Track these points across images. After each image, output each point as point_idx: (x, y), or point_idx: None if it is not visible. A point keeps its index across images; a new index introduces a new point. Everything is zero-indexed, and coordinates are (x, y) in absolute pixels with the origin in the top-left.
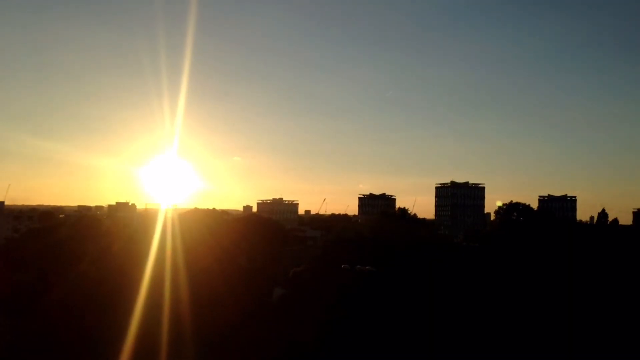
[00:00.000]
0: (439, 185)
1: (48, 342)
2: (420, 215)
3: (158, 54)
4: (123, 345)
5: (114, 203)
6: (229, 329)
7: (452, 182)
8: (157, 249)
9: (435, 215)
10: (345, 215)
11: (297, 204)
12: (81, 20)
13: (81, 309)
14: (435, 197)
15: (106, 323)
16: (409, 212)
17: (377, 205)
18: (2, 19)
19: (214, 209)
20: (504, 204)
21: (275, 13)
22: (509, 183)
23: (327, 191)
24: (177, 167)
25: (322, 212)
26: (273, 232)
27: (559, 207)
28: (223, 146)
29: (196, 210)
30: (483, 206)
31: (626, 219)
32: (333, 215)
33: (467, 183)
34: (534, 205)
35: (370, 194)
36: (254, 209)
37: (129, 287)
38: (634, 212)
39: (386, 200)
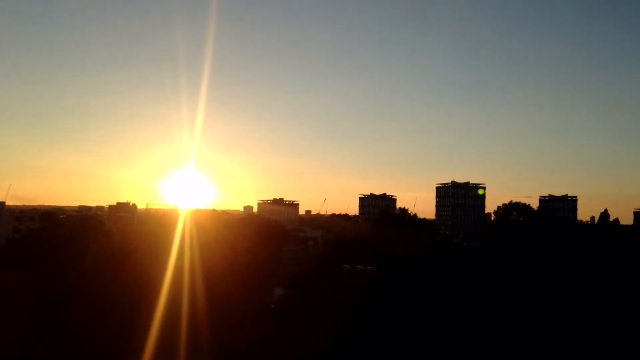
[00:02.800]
0: (440, 185)
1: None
2: (421, 215)
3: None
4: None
5: (115, 203)
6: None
7: (453, 182)
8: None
9: (436, 215)
10: (346, 215)
11: (298, 204)
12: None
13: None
14: (436, 197)
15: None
16: (409, 212)
17: (377, 205)
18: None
19: (214, 209)
20: (502, 207)
21: (274, 17)
22: (509, 183)
23: (328, 191)
24: (179, 167)
25: (322, 212)
26: (274, 232)
27: (559, 207)
28: (223, 146)
29: (197, 211)
30: (484, 206)
31: (628, 219)
32: (334, 215)
33: (467, 183)
34: (535, 205)
35: (370, 194)
36: (255, 209)
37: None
38: (634, 212)
39: (387, 200)
